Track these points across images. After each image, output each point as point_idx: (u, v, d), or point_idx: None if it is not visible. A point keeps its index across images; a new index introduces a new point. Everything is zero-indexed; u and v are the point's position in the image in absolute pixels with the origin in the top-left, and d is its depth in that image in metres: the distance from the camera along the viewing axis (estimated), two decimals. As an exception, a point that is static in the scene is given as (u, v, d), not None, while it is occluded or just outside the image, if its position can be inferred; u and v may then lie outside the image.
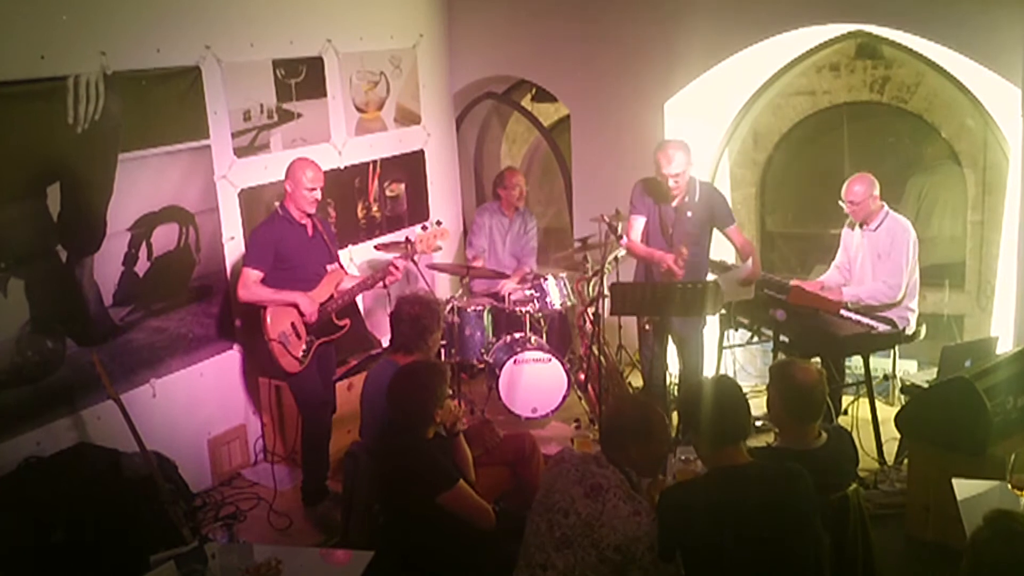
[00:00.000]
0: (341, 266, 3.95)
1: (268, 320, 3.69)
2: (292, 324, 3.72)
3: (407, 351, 3.29)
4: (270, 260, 3.69)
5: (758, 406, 4.53)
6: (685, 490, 2.36)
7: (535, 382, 4.45)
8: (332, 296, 3.82)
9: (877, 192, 4.04)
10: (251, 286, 3.67)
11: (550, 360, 4.45)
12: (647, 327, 4.22)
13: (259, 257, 3.68)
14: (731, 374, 4.45)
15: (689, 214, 3.98)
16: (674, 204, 3.98)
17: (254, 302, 3.71)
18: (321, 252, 3.85)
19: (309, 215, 3.77)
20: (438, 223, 4.26)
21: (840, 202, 4.09)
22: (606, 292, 4.10)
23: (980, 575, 1.82)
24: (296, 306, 3.70)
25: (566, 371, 4.48)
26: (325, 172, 3.79)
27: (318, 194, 3.72)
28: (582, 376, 4.78)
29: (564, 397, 4.51)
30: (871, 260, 4.10)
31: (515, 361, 4.42)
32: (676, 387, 4.43)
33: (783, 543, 2.18)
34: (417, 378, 2.81)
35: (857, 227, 4.15)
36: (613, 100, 4.95)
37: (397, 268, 3.81)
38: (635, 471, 2.42)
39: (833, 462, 2.60)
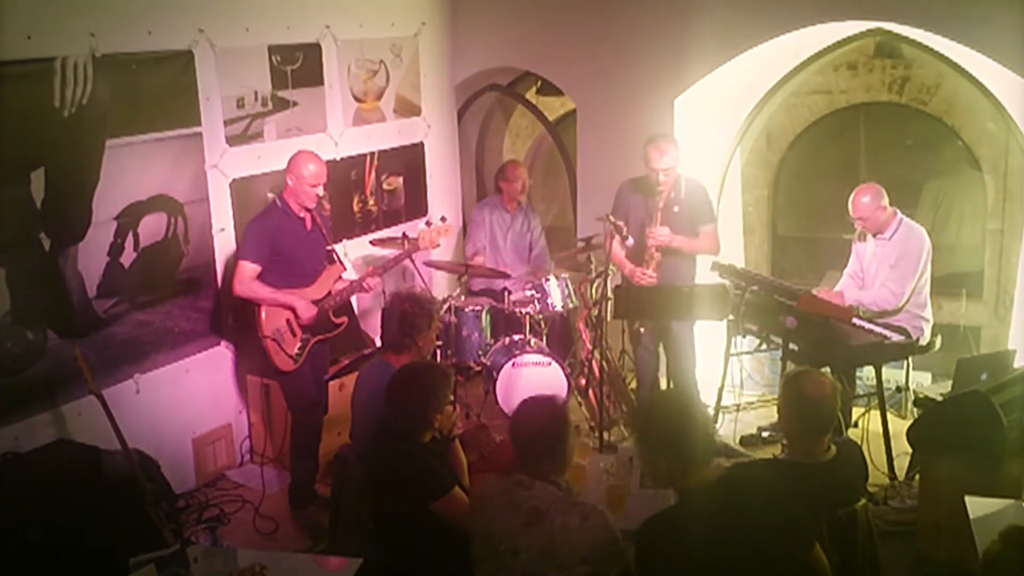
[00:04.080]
0: (340, 262, 3.86)
1: (263, 316, 3.61)
2: (287, 321, 3.64)
3: (397, 350, 3.22)
4: (267, 253, 3.60)
5: (764, 415, 4.49)
6: (665, 522, 2.17)
7: (534, 386, 4.33)
8: (330, 293, 3.73)
9: (885, 201, 3.95)
10: (247, 281, 3.59)
11: (550, 364, 4.34)
12: (640, 329, 4.16)
13: (256, 250, 3.59)
14: (738, 382, 4.34)
15: (676, 209, 3.97)
16: (660, 202, 3.95)
17: (250, 299, 3.61)
18: (319, 247, 3.78)
19: (308, 209, 3.68)
20: (443, 219, 4.18)
21: (849, 217, 4.02)
22: (610, 294, 4.01)
23: None
24: (293, 309, 3.62)
25: (566, 375, 4.37)
26: (319, 165, 3.67)
27: (320, 190, 3.65)
28: (583, 381, 4.67)
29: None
30: (885, 270, 4.00)
31: (513, 364, 4.31)
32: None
33: (760, 560, 2.05)
34: (419, 380, 2.73)
35: (870, 236, 4.06)
36: (621, 95, 4.85)
37: (371, 287, 3.80)
38: (559, 476, 2.33)
39: (842, 476, 2.55)
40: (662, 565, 2.07)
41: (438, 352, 4.29)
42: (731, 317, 4.00)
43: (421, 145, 5.14)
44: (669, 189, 3.94)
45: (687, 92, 4.71)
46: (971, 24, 3.92)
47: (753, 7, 4.41)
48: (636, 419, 2.33)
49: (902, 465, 3.82)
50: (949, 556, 3.12)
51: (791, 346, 3.85)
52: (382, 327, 3.33)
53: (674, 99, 4.72)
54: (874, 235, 4.03)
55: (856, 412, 4.18)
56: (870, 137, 5.16)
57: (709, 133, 4.92)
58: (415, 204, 5.12)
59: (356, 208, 4.78)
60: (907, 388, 4.30)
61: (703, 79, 4.65)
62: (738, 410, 4.44)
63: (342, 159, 4.63)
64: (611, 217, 4.00)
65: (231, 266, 3.87)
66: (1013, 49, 3.87)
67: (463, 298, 4.64)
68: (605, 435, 4.10)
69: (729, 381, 4.41)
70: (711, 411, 4.30)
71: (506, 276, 4.66)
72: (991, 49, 3.93)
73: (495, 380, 4.32)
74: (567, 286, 4.54)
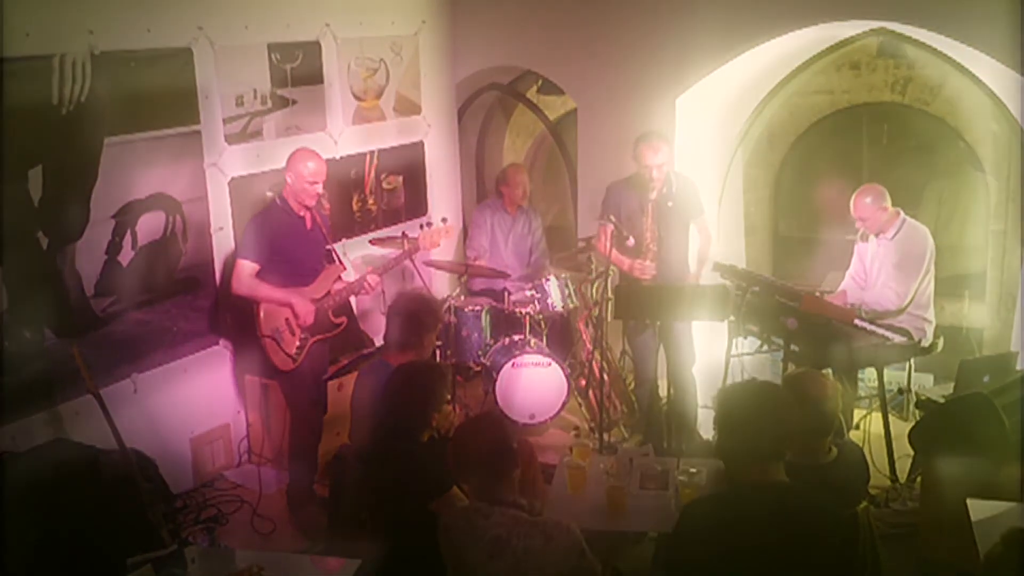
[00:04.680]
0: (340, 262, 3.85)
1: (261, 315, 3.61)
2: (286, 320, 3.63)
3: (400, 349, 3.20)
4: (266, 252, 3.60)
5: None
6: (713, 505, 2.17)
7: (534, 387, 4.32)
8: (328, 292, 3.72)
9: (887, 202, 3.95)
10: (246, 280, 3.58)
11: (550, 364, 4.32)
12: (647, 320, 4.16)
13: (255, 249, 3.59)
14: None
15: (670, 204, 4.00)
16: (653, 196, 3.97)
17: (248, 297, 3.61)
18: (319, 246, 3.77)
19: (308, 207, 3.67)
20: (444, 220, 4.17)
21: (850, 217, 4.01)
22: (610, 295, 3.99)
23: None
24: (291, 306, 3.60)
25: (566, 376, 4.34)
26: (318, 164, 3.65)
27: (319, 187, 3.64)
28: (583, 382, 4.64)
29: (564, 403, 4.38)
30: (887, 270, 3.98)
31: (513, 364, 4.29)
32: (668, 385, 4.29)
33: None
34: (417, 379, 2.74)
35: (872, 237, 4.05)
36: (622, 94, 4.82)
37: (372, 286, 3.77)
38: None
39: (843, 478, 2.55)
40: (700, 548, 2.05)
41: (437, 352, 4.27)
42: (732, 318, 3.98)
43: (421, 144, 5.12)
44: (661, 185, 3.97)
45: (689, 92, 4.68)
46: (973, 23, 3.89)
47: (755, 6, 4.38)
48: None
49: (904, 467, 3.80)
50: (951, 559, 3.09)
51: (792, 347, 3.83)
52: (387, 327, 3.32)
53: (676, 99, 4.70)
54: (876, 235, 4.02)
55: (858, 414, 4.16)
56: (872, 137, 5.13)
57: (711, 133, 4.90)
58: (415, 203, 5.10)
59: (355, 207, 4.76)
60: (909, 390, 4.30)
61: (705, 79, 4.63)
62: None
63: (341, 158, 4.62)
64: (612, 218, 3.99)
65: (230, 265, 3.85)
66: (1016, 49, 3.86)
67: (463, 298, 4.62)
68: (605, 436, 4.08)
69: (730, 382, 4.39)
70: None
71: (506, 276, 4.64)
72: (994, 49, 3.91)
73: (495, 380, 4.30)
74: (567, 286, 4.51)
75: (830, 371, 3.64)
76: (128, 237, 3.65)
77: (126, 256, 3.65)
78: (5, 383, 3.26)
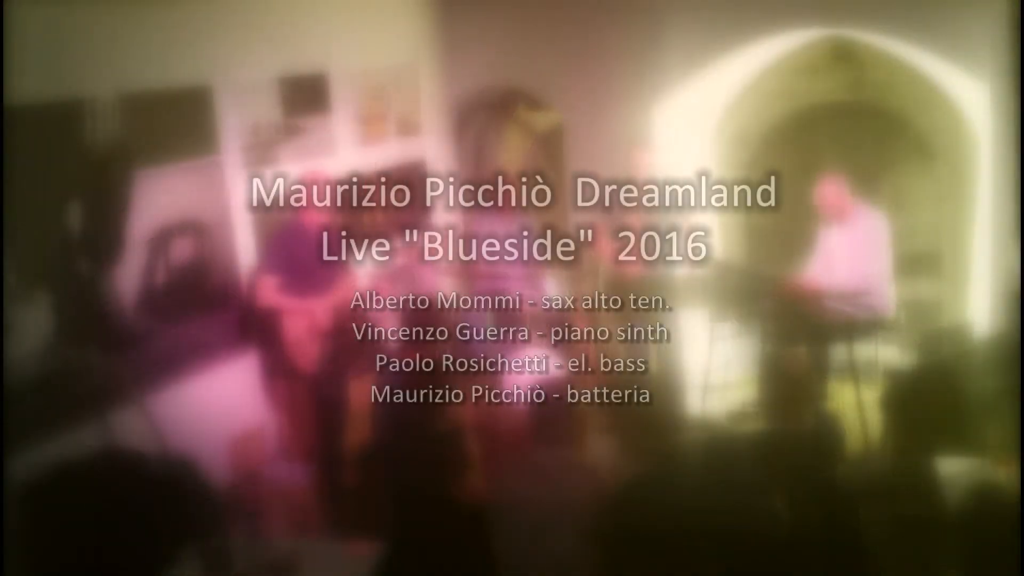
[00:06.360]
0: (351, 274, 4.16)
1: (284, 323, 3.91)
2: (307, 327, 3.93)
3: (403, 350, 3.45)
4: (285, 266, 3.90)
5: (747, 393, 4.77)
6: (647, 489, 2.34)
7: (534, 386, 4.43)
8: (342, 300, 4.03)
9: (848, 191, 4.24)
10: (268, 293, 3.88)
11: (550, 364, 4.34)
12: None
13: (274, 264, 3.91)
14: (721, 364, 4.62)
15: (665, 204, 4.09)
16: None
17: (271, 308, 3.90)
18: (333, 260, 4.01)
19: (322, 224, 3.97)
20: (446, 228, 4.44)
21: (814, 207, 4.30)
22: (608, 293, 4.26)
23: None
24: (310, 315, 3.90)
25: (566, 376, 4.34)
26: (329, 184, 4.02)
27: (330, 206, 3.95)
28: (582, 381, 4.79)
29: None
30: (847, 255, 4.27)
31: (513, 364, 4.38)
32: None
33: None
34: (419, 379, 2.97)
35: (833, 225, 4.34)
36: (605, 106, 5.13)
37: (380, 293, 4.10)
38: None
39: (818, 448, 2.77)
40: (646, 530, 2.22)
41: (439, 352, 4.49)
42: (712, 305, 4.30)
43: (423, 160, 5.42)
44: (655, 186, 4.11)
45: (664, 101, 4.98)
46: (920, 26, 4.24)
47: (720, 21, 4.69)
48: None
49: (876, 436, 3.99)
50: (952, 560, 2.89)
51: (767, 327, 4.12)
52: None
53: (655, 106, 5.00)
54: (838, 222, 4.32)
55: (830, 387, 4.34)
56: (833, 136, 5.38)
57: (683, 139, 5.14)
58: (419, 218, 5.29)
59: (364, 223, 5.00)
60: (876, 363, 4.53)
61: (677, 87, 4.93)
62: (723, 390, 4.74)
63: (350, 178, 4.83)
64: (607, 217, 4.24)
65: (254, 280, 4.16)
66: (957, 48, 4.19)
67: (463, 298, 4.73)
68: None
69: (713, 363, 4.65)
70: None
71: (506, 276, 4.77)
72: (938, 50, 4.24)
73: (495, 380, 4.34)
74: (566, 286, 4.69)
75: (803, 348, 3.95)
76: (161, 261, 3.89)
77: (160, 278, 3.89)
78: (56, 399, 3.46)
